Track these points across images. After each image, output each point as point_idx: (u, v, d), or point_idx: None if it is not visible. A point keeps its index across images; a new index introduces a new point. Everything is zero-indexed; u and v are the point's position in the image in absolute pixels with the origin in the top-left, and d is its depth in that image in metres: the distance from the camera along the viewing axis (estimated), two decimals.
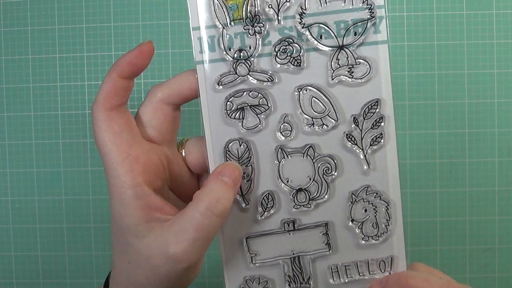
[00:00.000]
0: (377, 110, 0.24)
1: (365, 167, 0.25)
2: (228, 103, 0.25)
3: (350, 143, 0.25)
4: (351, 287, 0.26)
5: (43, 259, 0.46)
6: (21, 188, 0.46)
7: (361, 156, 0.25)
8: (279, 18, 0.24)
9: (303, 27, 0.24)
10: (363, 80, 0.24)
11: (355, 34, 0.24)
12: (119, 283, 0.25)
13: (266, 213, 0.25)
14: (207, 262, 0.45)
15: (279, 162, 0.25)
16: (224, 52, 0.25)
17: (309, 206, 0.25)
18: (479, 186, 0.43)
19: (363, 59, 0.24)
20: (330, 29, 0.24)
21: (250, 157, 0.25)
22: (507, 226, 0.43)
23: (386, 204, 0.25)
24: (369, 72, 0.24)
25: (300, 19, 0.24)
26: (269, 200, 0.25)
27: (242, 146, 0.25)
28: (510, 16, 0.43)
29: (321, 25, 0.24)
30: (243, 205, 0.25)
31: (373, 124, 0.24)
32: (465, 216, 0.43)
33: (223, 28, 0.25)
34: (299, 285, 0.26)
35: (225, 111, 0.25)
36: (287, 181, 0.25)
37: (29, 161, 0.46)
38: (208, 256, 0.45)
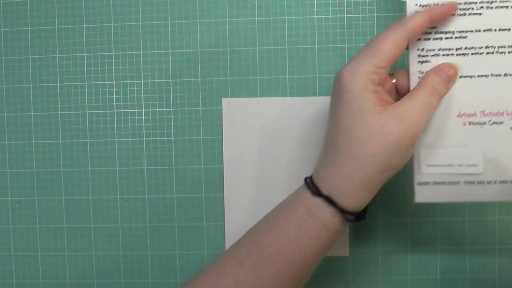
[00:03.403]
0: None
1: None
2: None
3: None
4: None
5: (43, 259, 0.46)
6: (21, 188, 0.46)
7: None
8: None
9: None
10: None
11: None
12: (339, 163, 0.30)
13: None
14: (207, 262, 0.45)
15: None
16: None
17: None
18: None
19: None
20: None
21: None
22: (507, 226, 0.43)
23: None
24: None
25: None
26: None
27: None
28: None
29: None
30: None
31: None
32: (465, 216, 0.43)
33: None
34: None
35: None
36: None
37: (29, 161, 0.46)
38: (209, 257, 0.45)
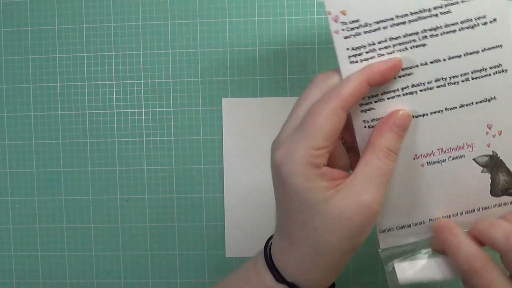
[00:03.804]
0: None
1: None
2: None
3: None
4: None
5: (43, 259, 0.46)
6: (21, 188, 0.46)
7: None
8: None
9: None
10: None
11: None
12: (299, 254, 0.26)
13: None
14: (207, 262, 0.45)
15: None
16: None
17: None
18: None
19: None
20: None
21: None
22: None
23: None
24: None
25: None
26: None
27: None
28: None
29: None
30: None
31: None
32: None
33: None
34: None
35: None
36: None
37: (29, 161, 0.46)
38: (209, 257, 0.45)
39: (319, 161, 0.25)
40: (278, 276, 0.27)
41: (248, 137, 0.44)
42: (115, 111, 0.45)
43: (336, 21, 0.25)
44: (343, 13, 0.24)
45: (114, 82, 0.45)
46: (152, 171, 0.45)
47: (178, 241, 0.45)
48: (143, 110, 0.45)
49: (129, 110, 0.45)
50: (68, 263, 0.46)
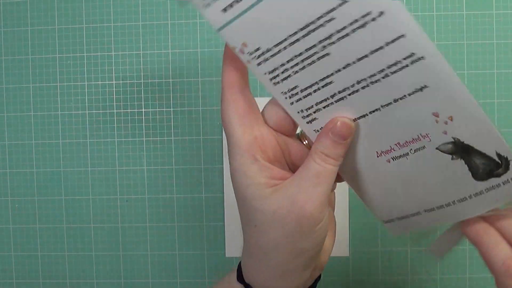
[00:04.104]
0: None
1: None
2: None
3: None
4: None
5: (43, 259, 0.46)
6: (21, 188, 0.46)
7: None
8: None
9: None
10: None
11: None
12: (249, 254, 0.27)
13: None
14: (207, 262, 0.45)
15: None
16: None
17: None
18: None
19: None
20: None
21: None
22: None
23: None
24: None
25: None
26: None
27: None
28: (510, 16, 0.43)
29: None
30: None
31: None
32: None
33: None
34: None
35: None
36: None
37: (29, 161, 0.46)
38: (209, 257, 0.45)
39: (252, 153, 0.25)
40: (238, 276, 0.28)
41: None
42: (115, 111, 0.45)
43: (242, 53, 0.26)
44: (245, 45, 0.25)
45: (114, 82, 0.45)
46: (152, 171, 0.45)
47: (178, 241, 0.45)
48: (143, 110, 0.45)
49: (129, 110, 0.45)
50: (68, 263, 0.46)
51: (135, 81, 0.45)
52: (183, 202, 0.45)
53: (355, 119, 0.26)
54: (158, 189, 0.45)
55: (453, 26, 0.43)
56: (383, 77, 0.25)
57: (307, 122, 0.27)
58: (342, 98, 0.26)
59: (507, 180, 0.26)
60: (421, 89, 0.25)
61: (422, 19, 0.43)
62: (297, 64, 0.25)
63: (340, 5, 0.23)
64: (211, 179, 0.45)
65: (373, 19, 0.23)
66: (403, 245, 0.44)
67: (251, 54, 0.26)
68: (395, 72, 0.24)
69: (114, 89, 0.45)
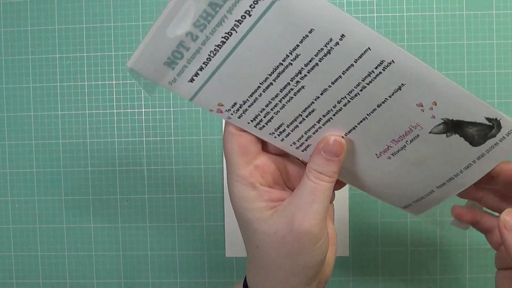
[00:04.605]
0: None
1: None
2: None
3: None
4: None
5: (43, 259, 0.46)
6: (21, 188, 0.46)
7: None
8: None
9: None
10: None
11: None
12: (254, 273, 0.28)
13: None
14: (207, 262, 0.45)
15: None
16: None
17: None
18: None
19: None
20: None
21: None
22: None
23: None
24: None
25: None
26: None
27: None
28: (510, 16, 0.43)
29: None
30: None
31: None
32: None
33: None
34: None
35: None
36: None
37: (29, 161, 0.46)
38: (209, 257, 0.45)
39: (252, 181, 0.27)
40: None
41: None
42: (115, 111, 0.45)
43: (221, 112, 0.27)
44: (220, 104, 0.26)
45: (114, 82, 0.45)
46: (152, 171, 0.45)
47: (178, 241, 0.45)
48: (143, 110, 0.45)
49: (129, 110, 0.45)
50: (68, 263, 0.46)
51: (135, 81, 0.45)
52: (183, 202, 0.45)
53: (345, 133, 0.27)
54: (158, 189, 0.45)
55: (453, 26, 0.43)
56: (360, 90, 0.26)
57: (302, 151, 0.28)
58: (328, 120, 0.27)
59: (503, 137, 0.27)
60: (399, 88, 0.26)
61: (422, 19, 0.43)
62: (276, 105, 0.27)
63: (301, 41, 0.24)
64: (211, 179, 0.45)
65: (336, 43, 0.24)
66: (403, 245, 0.44)
67: (229, 110, 0.27)
68: (370, 82, 0.26)
69: (114, 89, 0.45)
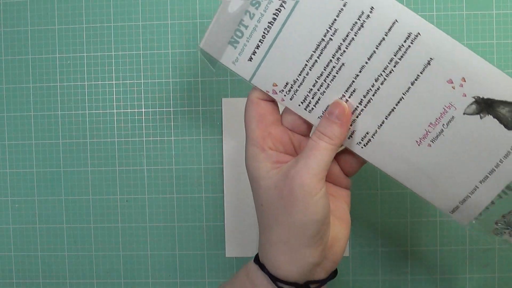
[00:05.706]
0: None
1: None
2: None
3: None
4: None
5: (43, 259, 0.46)
6: (21, 188, 0.46)
7: None
8: None
9: None
10: None
11: None
12: (261, 232, 0.30)
13: None
14: (207, 262, 0.45)
15: None
16: None
17: None
18: None
19: None
20: None
21: None
22: None
23: None
24: None
25: None
26: None
27: None
28: (510, 16, 0.43)
29: None
30: None
31: None
32: None
33: None
34: None
35: None
36: None
37: (29, 161, 0.46)
38: (209, 257, 0.45)
39: (263, 144, 0.29)
40: (255, 257, 0.30)
41: None
42: (115, 111, 0.45)
43: (275, 93, 0.29)
44: (275, 85, 0.29)
45: (114, 82, 0.45)
46: (152, 171, 0.45)
47: (178, 241, 0.45)
48: (143, 110, 0.45)
49: (129, 110, 0.45)
50: (68, 263, 0.46)
51: (135, 81, 0.45)
52: (183, 202, 0.45)
53: (386, 117, 0.28)
54: (158, 189, 0.45)
55: (453, 26, 0.43)
56: (394, 66, 0.27)
57: (348, 138, 0.29)
58: (369, 101, 0.28)
59: None
60: (428, 63, 0.27)
61: None
62: (321, 85, 0.28)
63: (337, 15, 0.26)
64: (211, 179, 0.45)
65: (368, 16, 0.26)
66: (403, 245, 0.44)
67: (282, 91, 0.29)
68: (402, 56, 0.27)
69: (114, 89, 0.45)
